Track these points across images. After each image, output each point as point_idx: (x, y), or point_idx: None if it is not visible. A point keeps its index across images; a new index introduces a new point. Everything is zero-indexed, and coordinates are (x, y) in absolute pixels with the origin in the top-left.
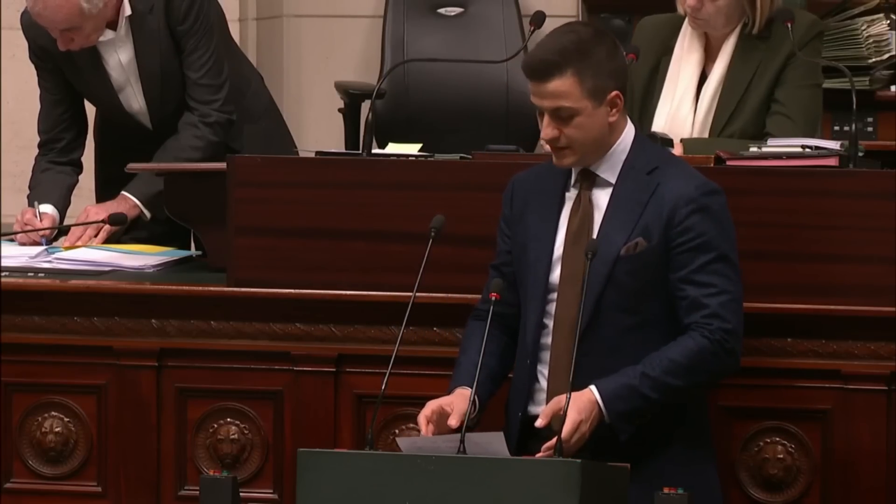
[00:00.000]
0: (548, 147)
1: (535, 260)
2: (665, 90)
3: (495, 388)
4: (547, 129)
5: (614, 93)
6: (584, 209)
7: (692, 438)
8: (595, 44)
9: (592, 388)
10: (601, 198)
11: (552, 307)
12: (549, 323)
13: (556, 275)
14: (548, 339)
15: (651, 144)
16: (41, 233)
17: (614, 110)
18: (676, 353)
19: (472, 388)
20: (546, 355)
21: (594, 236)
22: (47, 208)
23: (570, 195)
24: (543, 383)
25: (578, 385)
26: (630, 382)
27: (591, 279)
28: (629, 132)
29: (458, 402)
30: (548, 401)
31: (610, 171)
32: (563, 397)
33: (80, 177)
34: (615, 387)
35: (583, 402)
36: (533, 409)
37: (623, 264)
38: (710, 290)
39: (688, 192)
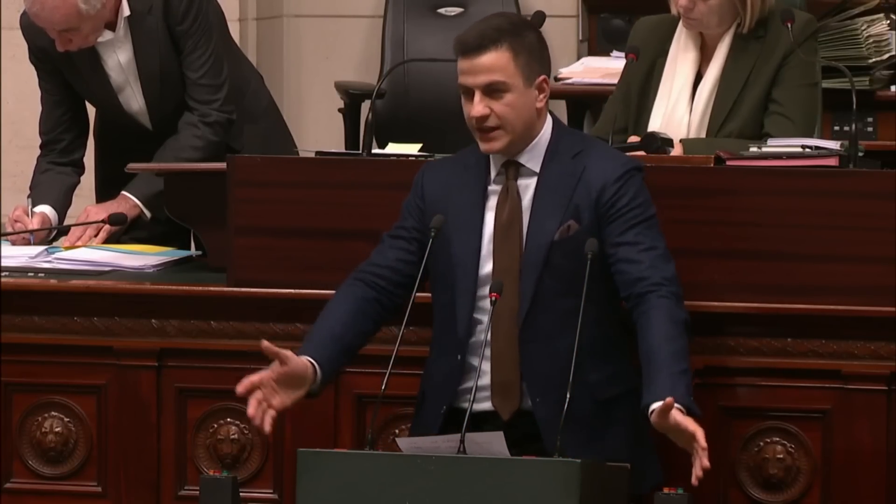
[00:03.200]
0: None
1: (462, 255)
2: (661, 91)
3: (345, 363)
4: (478, 107)
5: (543, 77)
6: (512, 200)
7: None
8: (526, 28)
9: (654, 405)
10: (527, 187)
11: (485, 302)
12: (482, 317)
13: (487, 269)
14: (481, 334)
15: (571, 130)
16: (30, 232)
17: (542, 96)
18: (665, 320)
19: (315, 358)
20: (478, 350)
21: (525, 225)
22: (44, 208)
23: (494, 188)
24: (484, 379)
25: (526, 373)
26: (666, 373)
27: (528, 267)
28: (549, 122)
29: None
30: (493, 387)
31: (534, 160)
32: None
33: (81, 177)
34: (666, 384)
35: (682, 418)
36: (472, 405)
37: (558, 248)
38: (641, 246)
39: (614, 170)
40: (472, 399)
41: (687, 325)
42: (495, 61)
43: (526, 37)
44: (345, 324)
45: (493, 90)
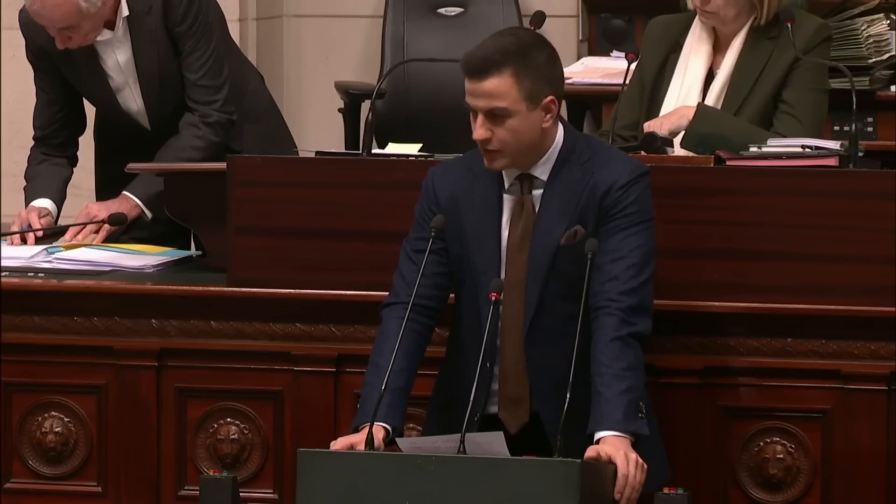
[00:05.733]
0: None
1: (484, 264)
2: (672, 84)
3: (405, 407)
4: (480, 130)
5: (550, 98)
6: (527, 214)
7: None
8: (535, 48)
9: (597, 434)
10: (539, 198)
11: (501, 309)
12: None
13: (503, 278)
14: (496, 341)
15: (581, 135)
16: (34, 231)
17: (548, 116)
18: (602, 344)
19: (387, 425)
20: (495, 356)
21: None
22: (43, 202)
23: (509, 198)
24: (494, 384)
25: (533, 378)
26: (604, 398)
27: (533, 271)
28: (561, 131)
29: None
30: (501, 400)
31: (546, 170)
32: (596, 450)
33: (80, 177)
34: (603, 412)
35: (612, 445)
36: (480, 410)
37: (564, 253)
38: (614, 255)
39: (622, 175)
40: (471, 400)
41: (637, 335)
42: (496, 87)
43: (533, 58)
44: (408, 370)
45: (495, 115)
